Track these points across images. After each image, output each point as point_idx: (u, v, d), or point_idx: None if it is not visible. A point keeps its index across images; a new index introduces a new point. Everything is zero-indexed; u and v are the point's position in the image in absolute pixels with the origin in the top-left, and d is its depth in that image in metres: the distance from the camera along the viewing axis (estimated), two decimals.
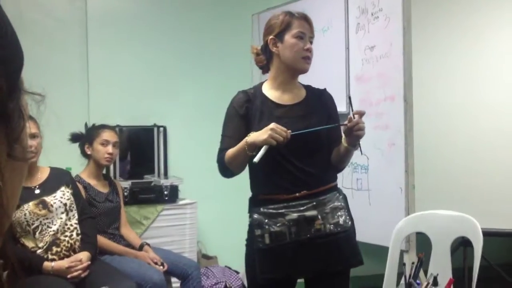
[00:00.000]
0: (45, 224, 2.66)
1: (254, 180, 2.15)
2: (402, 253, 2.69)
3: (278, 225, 1.98)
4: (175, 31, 4.29)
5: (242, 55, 4.29)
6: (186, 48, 4.32)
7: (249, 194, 2.17)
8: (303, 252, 1.99)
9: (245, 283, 3.58)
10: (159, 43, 4.23)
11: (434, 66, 3.79)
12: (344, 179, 3.28)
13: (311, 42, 2.12)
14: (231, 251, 3.71)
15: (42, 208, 2.66)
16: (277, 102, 2.11)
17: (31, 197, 2.67)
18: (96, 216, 3.01)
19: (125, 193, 3.53)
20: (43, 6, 3.94)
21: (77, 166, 3.25)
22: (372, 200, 3.24)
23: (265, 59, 2.17)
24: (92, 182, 3.14)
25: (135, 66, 4.16)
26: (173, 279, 3.27)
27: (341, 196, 2.08)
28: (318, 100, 2.16)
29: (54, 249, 2.65)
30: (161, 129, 4.13)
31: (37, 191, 2.71)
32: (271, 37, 2.11)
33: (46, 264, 2.59)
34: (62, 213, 2.72)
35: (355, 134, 1.98)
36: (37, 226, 2.64)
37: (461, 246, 3.46)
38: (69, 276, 2.59)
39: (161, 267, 3.03)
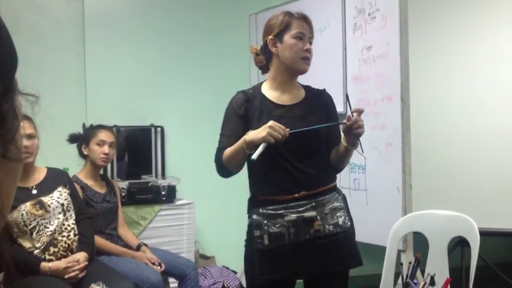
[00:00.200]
0: (42, 224, 2.65)
1: (253, 180, 2.14)
2: (399, 252, 2.69)
3: (277, 226, 1.98)
4: (172, 31, 4.28)
5: (240, 55, 4.29)
6: (183, 48, 4.31)
7: (246, 194, 2.17)
8: (302, 253, 1.99)
9: (243, 283, 3.58)
10: (156, 43, 4.23)
11: (431, 66, 3.80)
12: (341, 179, 3.28)
13: (310, 43, 2.11)
14: (228, 251, 3.72)
15: (39, 208, 2.66)
16: (276, 102, 2.11)
17: (28, 198, 2.67)
18: (94, 217, 3.00)
19: (123, 194, 3.53)
20: (39, 7, 3.94)
21: (75, 166, 3.25)
22: (370, 200, 3.25)
23: (264, 59, 2.16)
24: (89, 182, 3.14)
25: (132, 66, 4.16)
26: (171, 279, 3.27)
27: (340, 197, 2.07)
28: (318, 101, 2.16)
29: (52, 249, 2.65)
30: (159, 129, 4.13)
31: (34, 192, 2.71)
32: (270, 37, 2.11)
33: (44, 264, 2.58)
34: (59, 213, 2.72)
35: (354, 133, 1.98)
36: (34, 227, 2.64)
37: (458, 245, 3.47)
38: (66, 276, 2.58)
39: (159, 267, 3.03)
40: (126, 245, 3.17)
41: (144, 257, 3.05)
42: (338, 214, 2.02)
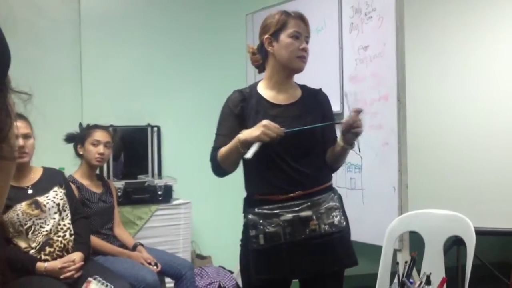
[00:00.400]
0: (38, 224, 2.65)
1: (248, 180, 2.14)
2: (395, 252, 2.69)
3: (272, 225, 1.97)
4: (169, 30, 4.28)
5: (236, 55, 4.29)
6: (180, 47, 4.31)
7: (243, 194, 2.17)
8: (298, 253, 1.98)
9: (239, 283, 3.58)
10: (153, 42, 4.23)
11: (427, 65, 3.81)
12: (338, 179, 3.28)
13: (307, 42, 2.11)
14: (225, 251, 3.71)
15: (35, 208, 2.65)
16: (272, 102, 2.11)
17: (24, 197, 2.66)
18: (90, 217, 3.00)
19: (119, 193, 3.53)
20: (36, 6, 3.93)
21: (70, 166, 3.24)
22: (366, 200, 3.25)
23: (261, 58, 2.16)
24: (85, 182, 3.13)
25: (128, 66, 4.15)
26: (167, 279, 3.27)
27: (336, 196, 2.07)
28: (314, 100, 2.15)
29: (47, 249, 2.64)
30: (155, 129, 4.13)
31: (29, 191, 2.70)
32: (266, 36, 2.10)
33: (39, 264, 2.58)
34: (55, 213, 2.71)
35: (353, 132, 1.98)
36: (30, 226, 2.63)
37: (454, 245, 3.47)
38: (62, 276, 2.58)
39: (155, 267, 3.02)
40: (122, 245, 3.16)
41: (140, 257, 3.04)
42: (334, 213, 2.01)
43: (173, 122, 4.25)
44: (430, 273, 2.14)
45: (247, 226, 2.03)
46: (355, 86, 3.35)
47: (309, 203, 2.00)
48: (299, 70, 2.12)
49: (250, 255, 2.03)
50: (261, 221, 1.98)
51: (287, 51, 2.07)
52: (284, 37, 2.07)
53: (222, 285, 3.72)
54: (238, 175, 2.15)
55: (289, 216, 1.98)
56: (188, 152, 4.23)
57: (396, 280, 2.18)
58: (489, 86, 3.77)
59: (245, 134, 1.95)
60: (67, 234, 2.73)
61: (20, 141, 2.64)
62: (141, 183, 3.81)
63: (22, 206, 2.63)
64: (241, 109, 2.10)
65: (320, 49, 3.43)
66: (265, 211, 1.99)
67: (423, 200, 3.20)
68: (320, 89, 2.22)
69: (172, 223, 3.76)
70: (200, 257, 4.13)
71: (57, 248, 2.67)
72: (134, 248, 3.14)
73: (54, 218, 2.70)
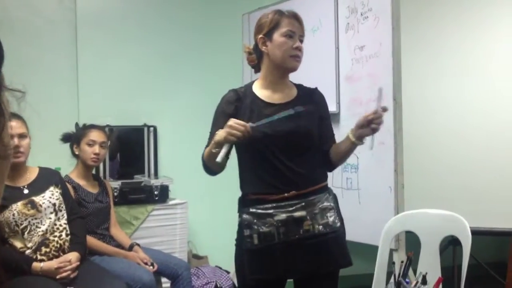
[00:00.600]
0: (33, 224, 2.64)
1: (243, 179, 2.14)
2: (391, 252, 2.70)
3: (266, 225, 1.97)
4: (165, 30, 4.28)
5: (232, 55, 4.29)
6: (176, 47, 4.31)
7: (239, 194, 2.17)
8: (292, 253, 1.98)
9: (236, 282, 3.58)
10: (149, 42, 4.23)
11: (424, 65, 3.81)
12: (334, 179, 3.28)
13: (301, 41, 2.10)
14: (221, 251, 3.70)
15: (31, 208, 2.65)
16: (267, 101, 2.10)
17: (20, 197, 2.65)
18: (86, 217, 2.99)
19: (115, 193, 3.52)
20: (32, 6, 3.92)
21: (67, 166, 3.24)
22: (362, 199, 3.25)
23: (256, 58, 2.16)
24: (81, 182, 3.13)
25: (125, 66, 4.15)
26: (163, 279, 3.27)
27: (330, 197, 2.06)
28: (309, 99, 2.14)
29: (43, 249, 2.64)
30: (151, 129, 4.13)
31: (25, 191, 2.70)
32: (260, 36, 2.10)
33: (35, 264, 2.57)
34: (51, 213, 2.70)
35: (372, 127, 1.97)
36: (26, 226, 2.63)
37: (450, 245, 3.48)
38: (58, 276, 2.57)
39: (151, 267, 3.02)
40: (119, 245, 3.16)
41: (137, 257, 3.04)
42: (328, 214, 2.01)
43: (169, 122, 4.25)
44: (426, 273, 2.14)
45: (241, 226, 2.03)
46: (351, 86, 3.36)
47: (303, 203, 1.99)
48: (293, 69, 2.11)
49: (244, 255, 2.03)
50: (255, 220, 1.98)
51: (281, 50, 2.06)
52: (277, 36, 2.06)
53: (218, 285, 3.72)
54: (234, 175, 2.15)
55: (283, 216, 1.97)
56: (184, 152, 4.22)
57: (392, 280, 2.19)
58: (485, 87, 3.78)
59: (217, 135, 1.94)
60: (63, 234, 2.72)
61: (16, 141, 2.64)
62: (138, 183, 3.81)
63: (18, 206, 2.62)
64: (235, 109, 2.09)
65: (316, 49, 3.43)
66: (259, 210, 1.99)
67: (419, 200, 3.20)
68: (316, 88, 2.21)
69: (169, 223, 3.76)
70: (196, 257, 4.13)
71: (53, 248, 2.66)
72: (130, 248, 3.13)
73: (50, 218, 2.69)
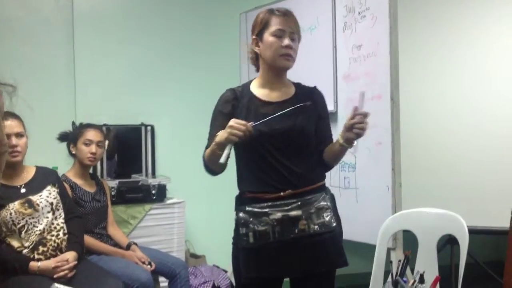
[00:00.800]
0: (31, 223, 2.64)
1: (240, 178, 2.14)
2: (389, 251, 2.70)
3: (262, 224, 1.97)
4: (162, 29, 4.28)
5: (230, 54, 4.29)
6: (174, 46, 4.31)
7: (237, 193, 2.17)
8: (287, 252, 1.98)
9: (233, 281, 3.58)
10: (146, 41, 4.22)
11: (421, 65, 3.82)
12: (331, 178, 3.29)
13: (293, 39, 2.06)
14: (219, 250, 3.71)
15: (28, 207, 2.64)
16: (264, 100, 2.10)
17: (17, 196, 2.65)
18: (83, 216, 2.99)
19: (113, 193, 3.52)
20: (28, 4, 3.92)
21: (64, 165, 3.23)
22: (360, 199, 3.26)
23: (255, 58, 2.16)
24: (79, 181, 3.12)
25: (122, 65, 4.14)
26: (161, 279, 3.27)
27: (327, 196, 2.05)
28: (308, 98, 2.11)
29: (41, 248, 2.63)
30: (149, 128, 4.12)
31: (22, 190, 2.69)
32: (253, 37, 2.11)
33: (32, 264, 2.56)
34: (49, 212, 2.70)
35: (354, 132, 1.94)
36: (23, 226, 2.62)
37: (448, 243, 3.49)
38: (55, 276, 2.57)
39: (149, 266, 3.02)
40: (116, 244, 3.16)
41: (134, 256, 3.04)
42: (324, 214, 2.00)
43: (166, 121, 4.24)
44: (424, 272, 2.15)
45: (237, 224, 2.03)
46: (348, 85, 3.36)
47: (299, 203, 1.99)
48: (284, 68, 2.09)
49: (240, 253, 2.04)
50: (251, 219, 1.98)
51: (271, 51, 2.04)
52: (267, 36, 2.05)
53: (216, 284, 3.72)
54: (231, 174, 2.15)
55: (278, 215, 1.97)
56: (182, 151, 4.22)
57: (390, 279, 2.19)
58: (482, 86, 3.79)
59: (219, 136, 1.94)
60: (61, 233, 2.72)
61: (13, 140, 2.63)
62: (135, 182, 3.80)
63: (15, 205, 2.62)
64: (232, 108, 2.09)
65: (313, 48, 3.44)
66: (256, 209, 1.99)
67: (417, 199, 3.20)
68: (315, 87, 2.20)
69: (166, 222, 3.75)
70: (194, 256, 4.13)
71: (50, 248, 2.66)
72: (128, 248, 3.13)
73: (47, 217, 2.69)
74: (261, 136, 1.98)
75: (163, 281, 3.26)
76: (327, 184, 2.16)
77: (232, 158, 2.12)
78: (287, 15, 2.07)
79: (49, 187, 2.77)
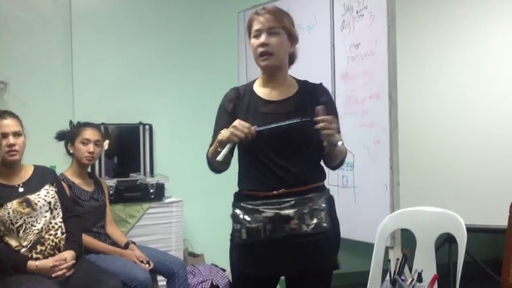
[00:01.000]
0: (29, 222, 2.64)
1: (239, 175, 2.15)
2: (387, 249, 2.70)
3: (254, 221, 1.97)
4: (160, 28, 4.27)
5: (228, 53, 4.29)
6: (172, 45, 4.31)
7: (234, 191, 2.17)
8: (278, 251, 1.97)
9: (231, 279, 3.58)
10: (144, 40, 4.22)
11: (419, 64, 3.82)
12: (329, 176, 3.27)
13: (272, 33, 2.02)
14: (217, 249, 3.70)
15: (26, 206, 2.64)
16: (264, 99, 2.09)
17: (15, 196, 2.65)
18: (81, 215, 2.98)
19: (111, 192, 3.52)
20: (26, 3, 3.91)
21: (62, 164, 3.23)
22: (358, 197, 3.26)
23: None
24: (77, 180, 3.12)
25: (120, 64, 4.14)
26: (159, 277, 3.27)
27: (324, 197, 2.02)
28: (310, 96, 2.10)
29: (39, 247, 2.63)
30: (147, 127, 4.12)
31: (20, 190, 2.69)
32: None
33: (30, 263, 2.56)
34: (47, 211, 2.70)
35: (321, 133, 1.92)
36: (21, 225, 2.62)
37: (446, 242, 3.50)
38: (53, 275, 2.56)
39: (147, 265, 3.02)
40: (114, 243, 3.15)
41: (133, 255, 3.03)
42: (318, 215, 1.97)
43: (165, 120, 4.24)
44: (422, 270, 2.15)
45: (232, 220, 2.04)
46: (346, 84, 3.36)
47: (292, 202, 1.97)
48: (266, 67, 2.07)
49: (234, 249, 2.06)
50: (244, 216, 1.98)
51: (253, 53, 2.07)
52: (251, 39, 2.08)
53: (214, 283, 3.72)
54: (230, 173, 2.15)
55: (270, 213, 1.96)
56: (180, 150, 4.23)
57: (388, 277, 2.19)
58: (480, 85, 3.79)
59: (221, 134, 1.96)
60: (59, 232, 2.72)
61: (11, 139, 2.63)
62: (133, 181, 3.80)
63: (13, 205, 2.62)
64: (234, 106, 2.10)
65: (311, 47, 3.44)
66: (249, 206, 1.99)
67: (415, 197, 3.21)
68: (320, 84, 2.18)
69: (164, 221, 3.75)
70: (192, 255, 4.13)
71: (48, 247, 2.66)
72: (126, 246, 3.13)
73: (45, 217, 2.69)
74: (259, 137, 1.98)
75: (162, 280, 3.26)
76: (325, 183, 2.15)
77: (235, 157, 2.12)
78: (267, 13, 2.05)
79: (47, 186, 2.77)
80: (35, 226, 2.65)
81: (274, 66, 2.06)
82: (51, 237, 2.68)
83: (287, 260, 1.99)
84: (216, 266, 3.93)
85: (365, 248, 2.79)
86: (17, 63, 3.80)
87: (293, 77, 2.17)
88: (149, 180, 3.79)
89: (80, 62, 4.01)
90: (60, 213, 2.77)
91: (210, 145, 2.08)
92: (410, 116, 3.56)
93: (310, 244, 1.96)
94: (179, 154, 4.20)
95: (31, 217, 2.65)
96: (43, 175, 2.81)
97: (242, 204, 2.01)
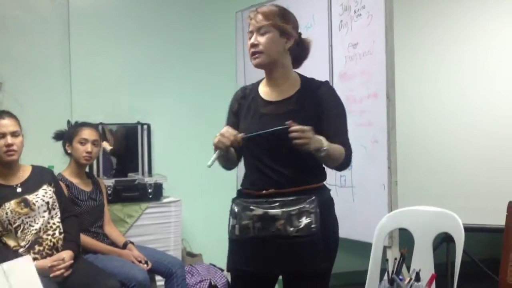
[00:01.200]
0: (27, 222, 2.64)
1: (243, 174, 2.18)
2: (385, 249, 2.70)
3: (246, 218, 2.00)
4: (158, 27, 4.27)
5: (226, 52, 4.29)
6: (170, 45, 4.30)
7: (233, 191, 2.20)
8: (265, 249, 1.99)
9: (229, 279, 3.58)
10: (142, 39, 4.22)
11: (417, 63, 3.82)
12: (328, 176, 3.28)
13: (262, 33, 2.02)
14: (215, 249, 3.70)
15: (24, 206, 2.64)
16: (266, 99, 2.10)
17: (13, 196, 2.65)
18: (79, 215, 2.98)
19: (109, 191, 3.52)
20: (24, 3, 3.91)
21: (60, 164, 3.23)
22: (356, 197, 3.26)
23: None
24: (75, 180, 3.12)
25: (118, 63, 4.14)
26: (158, 277, 3.27)
27: (316, 200, 1.98)
28: (311, 95, 2.07)
29: (37, 248, 2.63)
30: (145, 126, 4.12)
31: (18, 190, 2.69)
32: None
33: None
34: (45, 211, 2.70)
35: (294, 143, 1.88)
36: (19, 225, 2.62)
37: (444, 242, 3.50)
38: (51, 275, 2.57)
39: (145, 265, 3.02)
40: (113, 243, 3.15)
41: (131, 255, 3.03)
42: (305, 217, 1.95)
43: (163, 120, 4.24)
44: (420, 270, 2.15)
45: (230, 215, 2.08)
46: (344, 84, 3.36)
47: (282, 202, 1.97)
48: (257, 66, 2.08)
49: (229, 244, 2.09)
50: (240, 212, 2.02)
51: (249, 54, 2.09)
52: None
53: (213, 283, 3.72)
54: (228, 173, 2.16)
55: (260, 211, 1.98)
56: (178, 150, 4.22)
57: (386, 277, 2.19)
58: (479, 84, 3.79)
59: (214, 139, 1.98)
60: (57, 232, 2.72)
61: (9, 139, 2.63)
62: (131, 181, 3.80)
63: (11, 205, 2.62)
64: (238, 106, 2.14)
65: None
66: (244, 203, 2.03)
67: (413, 197, 3.21)
68: (325, 82, 2.15)
69: (163, 221, 3.76)
70: (190, 255, 4.13)
71: (46, 247, 2.66)
72: (124, 246, 3.13)
73: (43, 217, 2.69)
74: (251, 140, 2.00)
75: (160, 280, 3.26)
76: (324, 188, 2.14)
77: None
78: (258, 13, 2.05)
79: (45, 186, 2.77)
80: (33, 226, 2.65)
81: (265, 64, 2.05)
82: (49, 237, 2.68)
83: (273, 259, 2.00)
84: (214, 266, 3.93)
85: (363, 248, 2.79)
86: (15, 62, 3.80)
87: (299, 75, 2.14)
88: (147, 180, 3.79)
89: (78, 62, 4.00)
90: (58, 213, 2.77)
91: None
92: (408, 115, 3.56)
93: (295, 245, 1.96)
94: (177, 153, 4.20)
95: (29, 217, 2.65)
96: (41, 175, 2.81)
97: (238, 201, 2.06)
